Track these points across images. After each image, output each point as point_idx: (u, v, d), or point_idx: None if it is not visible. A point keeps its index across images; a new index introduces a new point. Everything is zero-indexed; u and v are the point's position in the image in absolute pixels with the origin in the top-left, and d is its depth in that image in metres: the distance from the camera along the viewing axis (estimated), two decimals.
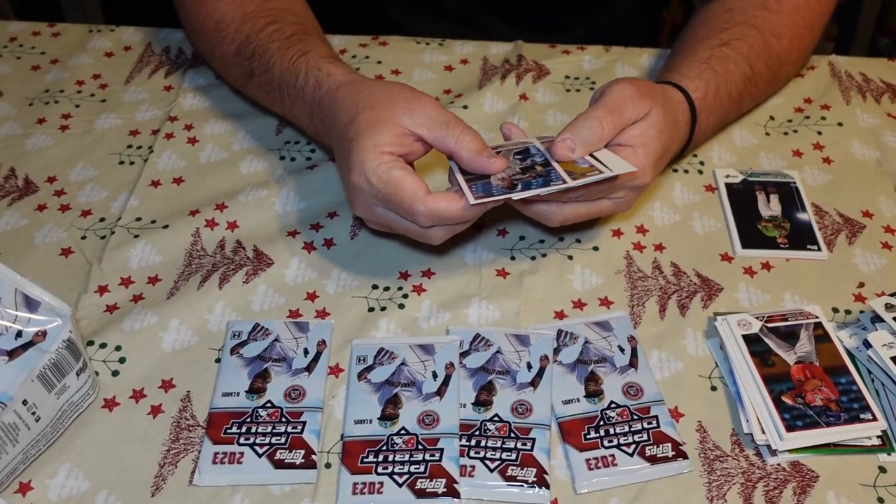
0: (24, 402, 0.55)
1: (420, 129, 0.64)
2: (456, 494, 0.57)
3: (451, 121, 0.64)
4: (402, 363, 0.65)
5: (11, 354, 0.57)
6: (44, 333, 0.58)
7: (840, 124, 0.87)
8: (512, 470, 0.59)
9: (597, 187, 0.65)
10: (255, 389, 0.63)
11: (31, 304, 0.59)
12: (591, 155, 0.65)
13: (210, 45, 0.83)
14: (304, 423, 0.61)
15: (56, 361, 0.57)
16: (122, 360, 0.65)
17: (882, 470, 0.60)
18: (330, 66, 0.72)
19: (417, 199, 0.61)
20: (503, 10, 1.01)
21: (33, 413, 0.56)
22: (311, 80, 0.72)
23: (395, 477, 0.58)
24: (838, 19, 1.47)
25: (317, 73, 0.71)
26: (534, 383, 0.64)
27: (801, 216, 0.77)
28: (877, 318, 0.66)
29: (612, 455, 0.60)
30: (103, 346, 0.66)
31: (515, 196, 0.61)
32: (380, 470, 0.58)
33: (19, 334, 0.58)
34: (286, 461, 0.59)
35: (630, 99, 0.66)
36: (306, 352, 0.65)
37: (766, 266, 0.73)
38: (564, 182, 0.61)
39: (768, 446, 0.60)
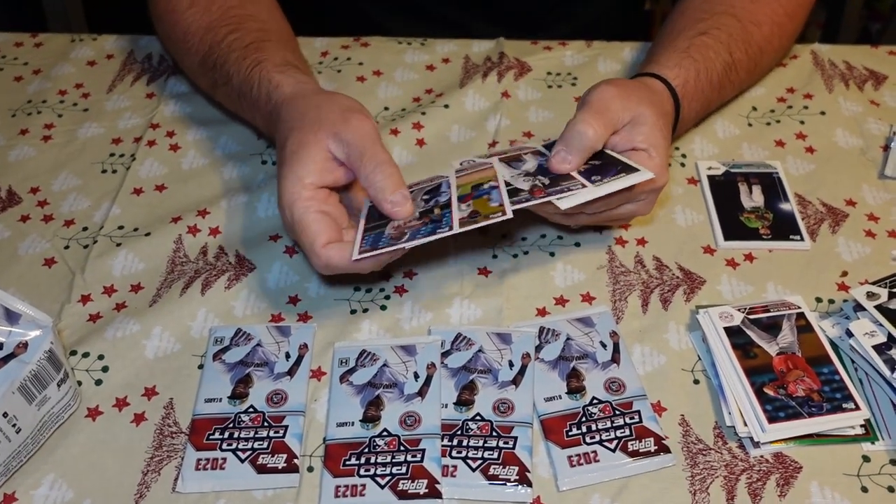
0: (5, 415, 0.55)
1: (341, 156, 0.64)
2: (438, 495, 0.57)
3: (369, 151, 0.62)
4: (384, 364, 0.65)
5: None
6: (25, 345, 0.59)
7: (823, 113, 0.87)
8: (494, 469, 0.59)
9: (616, 196, 0.64)
10: (238, 395, 0.63)
11: (11, 317, 0.59)
12: (616, 159, 0.65)
13: (179, 55, 0.83)
14: (287, 427, 0.61)
15: (37, 373, 0.57)
16: (104, 369, 0.65)
17: (866, 459, 0.60)
18: (280, 77, 0.71)
19: (314, 248, 0.62)
20: (484, 10, 1.01)
21: (13, 425, 0.56)
22: (263, 92, 0.71)
23: (377, 479, 0.58)
24: (826, 5, 1.46)
25: (267, 86, 0.71)
26: (515, 381, 0.64)
27: (784, 206, 0.77)
28: (859, 307, 0.66)
29: (595, 451, 0.60)
30: (86, 355, 0.66)
31: (399, 247, 0.60)
32: (362, 472, 0.58)
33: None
34: (268, 466, 0.59)
35: (613, 98, 0.66)
36: (288, 356, 0.65)
37: (749, 257, 0.73)
38: (451, 229, 0.59)
39: (751, 438, 0.60)
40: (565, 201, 0.61)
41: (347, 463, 0.59)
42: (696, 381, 0.65)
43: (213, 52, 0.77)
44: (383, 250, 0.60)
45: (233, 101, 0.78)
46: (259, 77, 0.72)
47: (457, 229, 0.59)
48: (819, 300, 0.70)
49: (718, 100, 0.83)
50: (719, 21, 0.80)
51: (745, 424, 0.60)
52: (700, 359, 0.66)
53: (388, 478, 0.58)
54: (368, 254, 0.60)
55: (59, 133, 0.86)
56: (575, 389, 0.63)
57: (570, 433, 0.61)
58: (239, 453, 0.60)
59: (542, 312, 0.69)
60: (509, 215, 0.59)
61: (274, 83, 0.71)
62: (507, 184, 0.64)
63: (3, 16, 1.39)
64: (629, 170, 0.64)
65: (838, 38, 1.56)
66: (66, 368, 0.60)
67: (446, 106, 0.87)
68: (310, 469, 0.59)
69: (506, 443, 0.60)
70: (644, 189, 0.66)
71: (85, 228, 0.76)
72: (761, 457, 0.60)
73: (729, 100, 0.86)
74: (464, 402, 0.63)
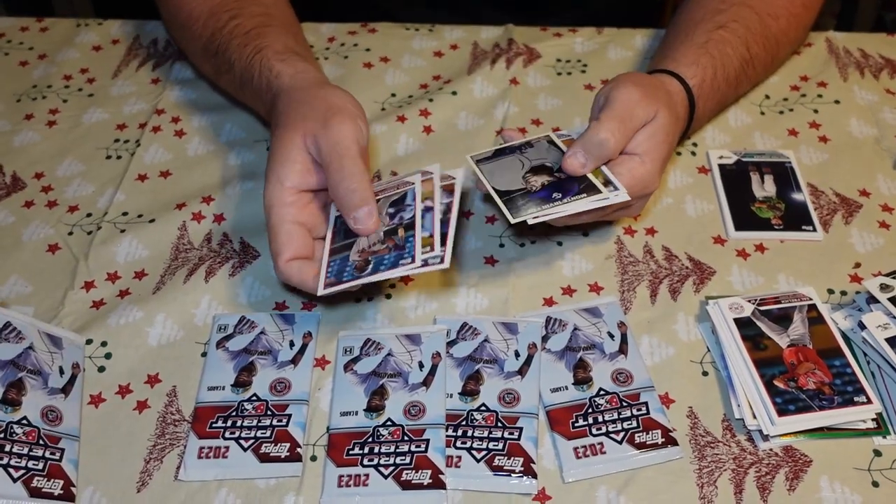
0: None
1: (318, 159, 0.62)
2: (442, 485, 0.57)
3: (339, 161, 0.60)
4: (389, 354, 0.64)
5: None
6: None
7: (837, 102, 0.86)
8: (499, 460, 0.58)
9: (585, 213, 0.63)
10: (241, 383, 0.62)
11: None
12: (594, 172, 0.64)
13: (183, 41, 0.82)
14: (290, 415, 0.60)
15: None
16: (108, 356, 0.65)
17: (877, 453, 0.59)
18: (280, 66, 0.70)
19: (278, 262, 0.61)
20: None
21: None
22: (264, 81, 0.70)
23: (381, 469, 0.57)
24: None
25: (268, 74, 0.70)
26: (521, 372, 0.63)
27: (797, 196, 0.76)
28: (872, 299, 0.65)
29: (601, 443, 0.59)
30: (89, 342, 0.65)
31: (358, 283, 0.58)
32: (365, 462, 0.58)
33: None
34: (271, 455, 0.58)
35: (638, 103, 0.64)
36: (292, 344, 0.65)
37: (760, 248, 0.72)
38: (412, 263, 0.58)
39: (760, 431, 0.59)
40: (531, 217, 0.60)
41: (351, 452, 0.58)
42: (705, 373, 0.64)
43: (215, 38, 0.76)
44: (346, 285, 0.59)
45: (235, 89, 0.78)
46: (260, 65, 0.71)
47: (416, 267, 0.57)
48: (831, 292, 0.69)
49: (734, 96, 0.82)
50: (737, 13, 0.78)
51: (755, 417, 0.59)
52: (709, 350, 0.65)
53: (391, 468, 0.57)
54: (332, 289, 0.59)
55: (64, 118, 0.85)
56: (582, 380, 0.63)
57: (576, 424, 0.60)
58: (242, 442, 0.59)
59: (549, 302, 0.68)
60: (445, 265, 0.57)
61: (274, 72, 0.70)
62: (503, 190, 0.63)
63: (10, 0, 1.38)
64: (592, 190, 0.62)
65: (853, 27, 1.53)
66: None
67: (454, 93, 0.86)
68: (313, 458, 0.59)
69: (511, 434, 0.59)
70: (633, 195, 0.64)
71: (89, 214, 0.75)
72: (770, 450, 0.59)
73: (744, 94, 0.85)
74: (469, 392, 0.62)
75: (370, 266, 0.59)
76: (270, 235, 0.62)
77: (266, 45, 0.72)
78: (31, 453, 0.56)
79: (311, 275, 0.61)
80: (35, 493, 0.55)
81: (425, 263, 0.58)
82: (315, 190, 0.64)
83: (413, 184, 0.64)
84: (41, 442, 0.57)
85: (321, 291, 0.59)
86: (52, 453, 0.57)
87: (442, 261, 0.57)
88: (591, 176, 0.63)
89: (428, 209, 0.61)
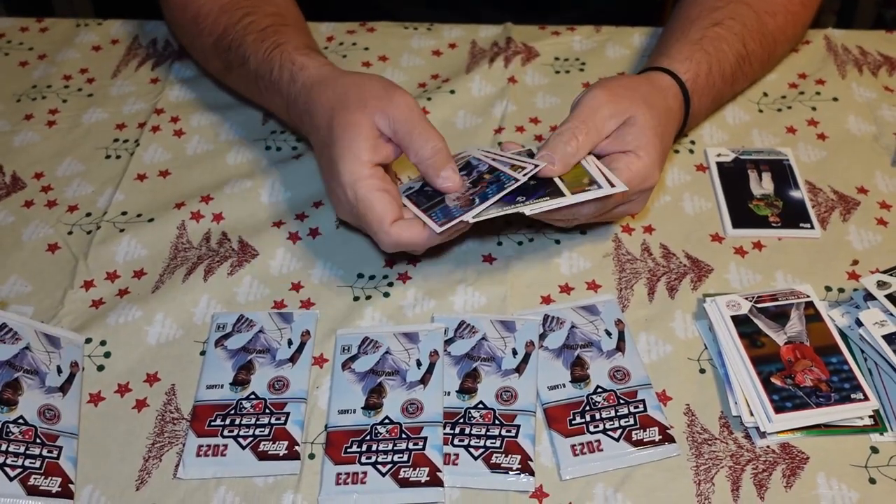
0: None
1: (388, 132, 0.64)
2: (439, 483, 0.57)
3: (417, 128, 0.63)
4: (387, 352, 0.64)
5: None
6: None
7: (835, 99, 0.86)
8: (496, 457, 0.58)
9: (589, 206, 0.64)
10: (239, 381, 0.63)
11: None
12: (589, 170, 0.64)
13: (189, 37, 0.82)
14: (288, 414, 0.61)
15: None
16: (107, 355, 0.65)
17: (874, 450, 0.59)
18: (304, 59, 0.71)
19: (383, 227, 0.62)
20: None
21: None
22: (286, 74, 0.71)
23: (379, 466, 0.58)
24: None
25: (290, 67, 0.71)
26: (519, 370, 0.63)
27: (794, 194, 0.76)
28: (869, 297, 0.65)
29: (598, 440, 0.59)
30: (88, 341, 0.65)
31: (473, 216, 0.60)
32: (363, 460, 0.58)
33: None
34: (270, 453, 0.59)
35: (603, 104, 0.66)
36: (290, 342, 0.65)
37: (758, 245, 0.72)
38: (516, 180, 0.61)
39: (757, 428, 0.59)
40: (529, 209, 0.61)
41: (349, 450, 0.59)
42: (703, 371, 0.64)
43: (227, 33, 0.77)
44: (461, 218, 0.60)
45: (248, 84, 0.78)
46: (280, 59, 0.72)
47: (522, 179, 0.61)
48: (829, 289, 0.69)
49: (731, 93, 0.82)
50: (734, 10, 0.78)
51: (752, 414, 0.59)
52: (706, 348, 0.65)
53: (389, 465, 0.58)
54: (448, 224, 0.60)
55: (64, 118, 0.85)
56: (579, 378, 0.63)
57: (573, 422, 0.60)
58: (240, 440, 0.59)
59: (546, 300, 0.69)
60: (621, 188, 0.62)
61: (298, 65, 0.71)
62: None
63: (10, 0, 1.38)
64: (557, 194, 0.63)
65: (853, 24, 1.53)
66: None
67: (452, 91, 0.86)
68: (311, 456, 0.59)
69: (508, 431, 0.59)
70: (634, 189, 0.65)
71: (88, 214, 0.76)
72: (767, 447, 0.59)
73: (741, 91, 0.85)
74: (466, 390, 0.62)
75: (476, 201, 0.61)
76: (364, 207, 0.62)
77: (285, 41, 0.73)
78: (27, 452, 0.57)
79: (418, 229, 0.62)
80: (32, 491, 0.55)
81: (536, 167, 0.61)
82: (384, 164, 0.65)
83: (469, 153, 0.67)
84: (38, 440, 0.57)
85: (439, 230, 0.61)
86: (49, 451, 0.57)
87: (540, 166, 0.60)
88: (558, 181, 0.64)
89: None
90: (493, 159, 0.66)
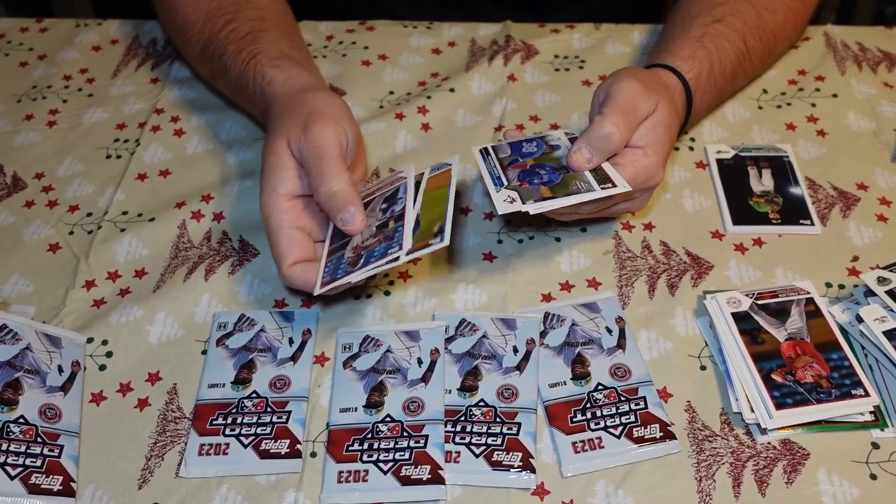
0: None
1: (301, 163, 0.63)
2: (441, 481, 0.57)
3: (318, 167, 0.61)
4: (388, 350, 0.64)
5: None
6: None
7: (835, 95, 0.86)
8: (497, 455, 0.58)
9: (589, 204, 0.63)
10: (241, 380, 0.63)
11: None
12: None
13: (181, 44, 0.83)
14: (290, 412, 0.61)
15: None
16: (108, 355, 0.65)
17: (875, 446, 0.59)
18: (274, 72, 0.70)
19: (281, 267, 0.62)
20: None
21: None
22: (258, 88, 0.71)
23: (380, 464, 0.58)
24: None
25: (261, 81, 0.70)
26: (520, 367, 0.63)
27: (794, 190, 0.76)
28: (869, 293, 0.65)
29: (599, 437, 0.59)
30: (90, 340, 0.66)
31: (352, 279, 0.58)
32: (365, 458, 0.58)
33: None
34: (271, 451, 0.59)
35: (640, 96, 0.64)
36: (291, 341, 0.65)
37: (758, 242, 0.72)
38: (397, 254, 0.58)
39: (758, 425, 0.59)
40: (532, 207, 0.60)
41: (350, 448, 0.59)
42: (703, 367, 0.64)
43: (211, 42, 0.77)
44: (340, 282, 0.59)
45: (232, 93, 0.78)
46: (253, 73, 0.72)
47: (403, 256, 0.57)
48: (829, 285, 0.69)
49: (732, 90, 0.82)
50: (734, 8, 0.78)
51: (753, 411, 0.60)
52: (707, 345, 0.65)
53: (391, 463, 0.58)
54: (328, 286, 0.59)
55: (64, 118, 0.86)
56: (580, 375, 0.63)
57: (574, 419, 0.60)
58: (242, 439, 0.59)
59: (547, 298, 0.69)
60: (445, 242, 0.56)
61: (266, 79, 0.70)
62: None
63: (10, 1, 1.38)
64: (605, 181, 0.62)
65: (853, 20, 1.53)
66: None
67: (452, 90, 0.86)
68: (313, 455, 0.59)
69: (510, 429, 0.60)
70: (639, 187, 0.65)
71: (89, 214, 0.76)
72: (768, 443, 0.59)
73: (742, 87, 0.85)
74: (467, 387, 0.62)
75: (361, 260, 0.59)
76: (271, 242, 0.62)
77: (260, 51, 0.73)
78: (28, 451, 0.57)
79: (313, 276, 0.61)
80: (34, 489, 0.55)
81: (425, 243, 0.57)
82: (309, 195, 0.64)
83: (405, 178, 0.64)
84: (39, 439, 0.57)
85: (317, 291, 0.60)
86: (50, 450, 0.57)
87: (441, 238, 0.56)
88: (589, 175, 0.63)
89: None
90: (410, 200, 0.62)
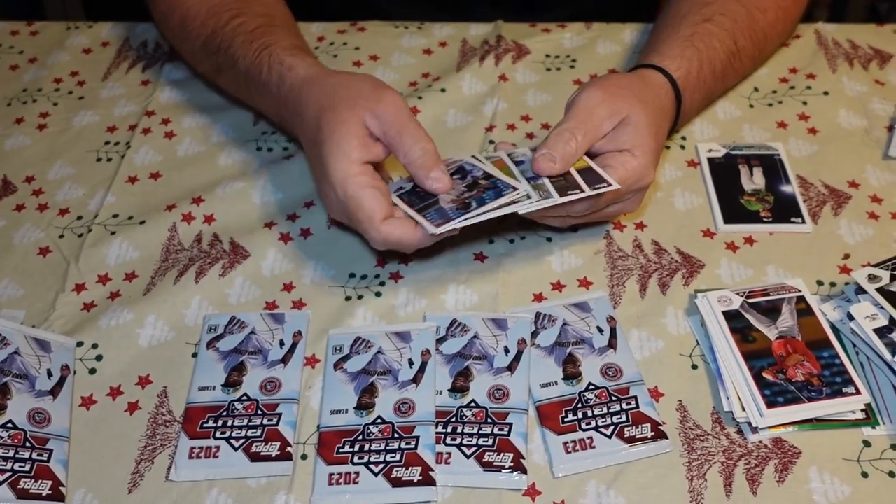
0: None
1: (377, 132, 0.64)
2: (432, 482, 0.57)
3: (407, 128, 0.63)
4: (379, 351, 0.64)
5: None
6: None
7: (826, 93, 0.86)
8: (489, 455, 0.58)
9: (582, 204, 0.64)
10: (231, 383, 0.63)
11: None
12: (575, 170, 0.64)
13: (178, 40, 0.82)
14: (280, 415, 0.61)
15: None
16: (98, 358, 0.65)
17: (866, 444, 0.59)
18: (292, 59, 0.71)
19: (373, 223, 0.62)
20: None
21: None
22: (275, 76, 0.71)
23: (371, 466, 0.58)
24: None
25: (279, 68, 0.71)
26: (511, 368, 0.63)
27: (786, 188, 0.76)
28: (860, 290, 0.65)
29: (591, 437, 0.59)
30: (80, 344, 0.65)
31: (474, 218, 0.60)
32: (355, 460, 0.58)
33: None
34: (262, 454, 0.59)
35: (600, 103, 0.66)
36: (282, 343, 0.65)
37: (749, 241, 0.72)
38: (515, 189, 0.60)
39: (749, 423, 0.59)
40: (523, 207, 0.61)
41: (341, 450, 0.59)
42: (695, 367, 0.64)
43: (216, 35, 0.77)
44: (461, 220, 0.60)
45: (238, 85, 0.78)
46: (269, 60, 0.72)
47: (521, 190, 0.61)
48: (820, 283, 0.69)
49: (722, 89, 0.82)
50: (724, 7, 0.78)
51: (744, 409, 0.59)
52: (698, 344, 0.65)
53: (381, 465, 0.58)
54: (445, 227, 0.60)
55: (55, 121, 0.85)
56: (571, 375, 0.63)
57: (565, 419, 0.60)
58: (232, 441, 0.59)
59: (538, 298, 0.69)
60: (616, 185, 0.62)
61: (286, 65, 0.71)
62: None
63: (0, 4, 1.38)
64: (595, 181, 0.63)
65: (846, 17, 1.53)
66: None
67: (443, 90, 0.86)
68: (303, 457, 0.59)
69: (501, 429, 0.59)
70: (630, 188, 0.66)
71: (80, 217, 0.76)
72: (759, 442, 0.59)
73: (732, 86, 0.85)
74: (458, 388, 0.62)
75: (473, 205, 0.60)
76: (354, 205, 0.62)
77: (274, 42, 0.73)
78: (17, 455, 0.57)
79: (409, 227, 0.62)
80: (22, 494, 0.55)
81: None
82: (374, 163, 0.65)
83: (463, 159, 0.67)
84: (28, 444, 0.57)
85: (437, 230, 0.60)
86: (39, 454, 0.57)
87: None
88: (547, 182, 0.63)
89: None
90: (487, 166, 0.65)
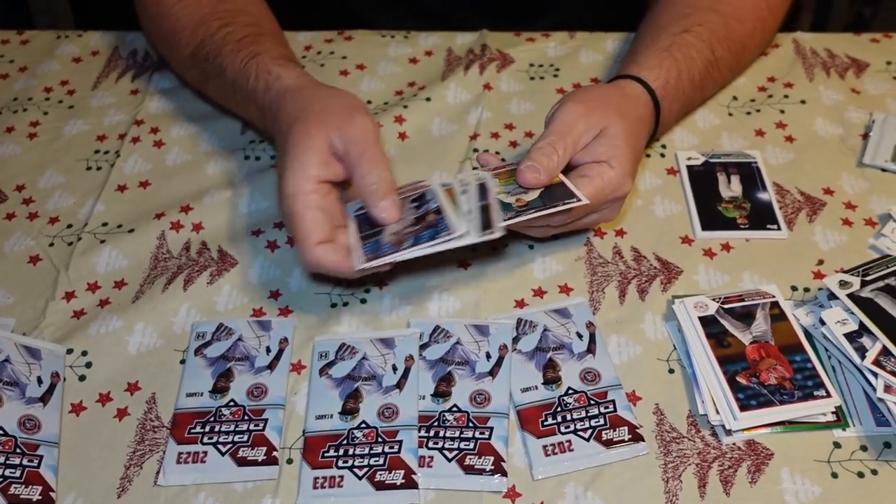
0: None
1: (340, 151, 0.64)
2: (414, 485, 0.58)
3: (368, 153, 0.63)
4: (363, 357, 0.66)
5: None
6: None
7: (803, 102, 0.88)
8: (470, 459, 0.60)
9: (560, 216, 0.66)
10: (219, 389, 0.64)
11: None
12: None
13: (167, 48, 0.84)
14: (266, 420, 0.62)
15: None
16: (88, 365, 0.66)
17: (836, 445, 0.61)
18: (279, 69, 0.72)
19: (306, 245, 0.62)
20: (470, 3, 1.01)
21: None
22: (261, 84, 0.72)
23: (355, 470, 0.59)
24: None
25: (266, 77, 0.72)
26: (493, 373, 0.64)
27: (762, 196, 0.78)
28: (832, 296, 0.66)
29: (569, 441, 0.61)
30: (70, 351, 0.67)
31: (400, 256, 0.60)
32: (340, 464, 0.59)
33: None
34: (248, 459, 0.60)
35: (579, 118, 0.67)
36: (268, 350, 0.66)
37: (726, 247, 0.74)
38: (451, 233, 0.60)
39: (723, 426, 0.61)
40: (454, 243, 0.61)
41: (326, 455, 0.60)
42: (672, 371, 0.66)
43: (204, 45, 0.78)
44: (386, 258, 0.60)
45: (225, 94, 0.79)
46: (256, 69, 0.73)
47: (458, 234, 0.60)
48: (794, 289, 0.71)
49: (700, 98, 0.84)
50: (702, 18, 0.80)
51: (718, 413, 0.61)
52: (675, 348, 0.67)
53: (365, 469, 0.59)
54: (372, 263, 0.61)
55: (45, 130, 0.86)
56: (551, 380, 0.64)
57: (545, 423, 0.62)
58: (219, 446, 0.61)
59: (520, 304, 0.70)
60: (500, 233, 0.61)
61: (273, 74, 0.72)
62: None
63: None
64: (564, 197, 0.64)
65: (829, 22, 1.55)
66: None
67: (428, 99, 0.88)
68: (289, 461, 0.60)
69: (482, 433, 0.61)
70: (607, 197, 0.67)
71: (69, 226, 0.77)
72: (733, 444, 0.61)
73: (711, 96, 0.87)
74: (441, 393, 0.63)
75: (408, 243, 0.61)
76: (294, 222, 0.63)
77: (261, 52, 0.74)
78: (7, 462, 0.58)
79: (341, 256, 0.62)
80: (13, 500, 0.56)
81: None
82: (332, 182, 0.65)
83: (429, 185, 0.67)
84: (18, 450, 0.58)
85: (360, 265, 0.61)
86: (29, 461, 0.58)
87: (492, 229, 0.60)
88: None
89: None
90: (441, 200, 0.65)
